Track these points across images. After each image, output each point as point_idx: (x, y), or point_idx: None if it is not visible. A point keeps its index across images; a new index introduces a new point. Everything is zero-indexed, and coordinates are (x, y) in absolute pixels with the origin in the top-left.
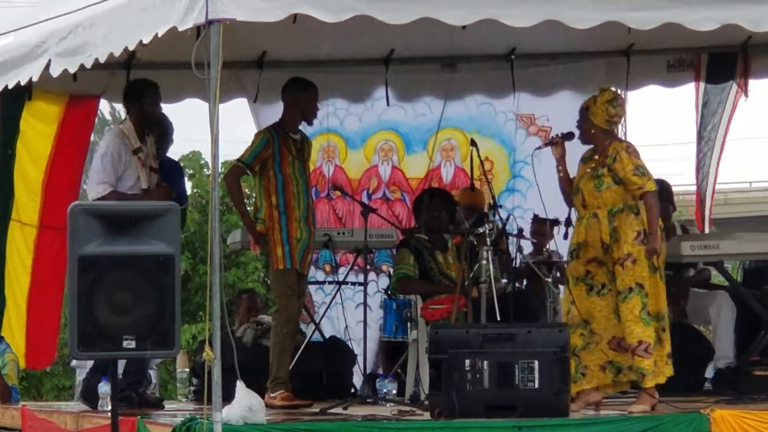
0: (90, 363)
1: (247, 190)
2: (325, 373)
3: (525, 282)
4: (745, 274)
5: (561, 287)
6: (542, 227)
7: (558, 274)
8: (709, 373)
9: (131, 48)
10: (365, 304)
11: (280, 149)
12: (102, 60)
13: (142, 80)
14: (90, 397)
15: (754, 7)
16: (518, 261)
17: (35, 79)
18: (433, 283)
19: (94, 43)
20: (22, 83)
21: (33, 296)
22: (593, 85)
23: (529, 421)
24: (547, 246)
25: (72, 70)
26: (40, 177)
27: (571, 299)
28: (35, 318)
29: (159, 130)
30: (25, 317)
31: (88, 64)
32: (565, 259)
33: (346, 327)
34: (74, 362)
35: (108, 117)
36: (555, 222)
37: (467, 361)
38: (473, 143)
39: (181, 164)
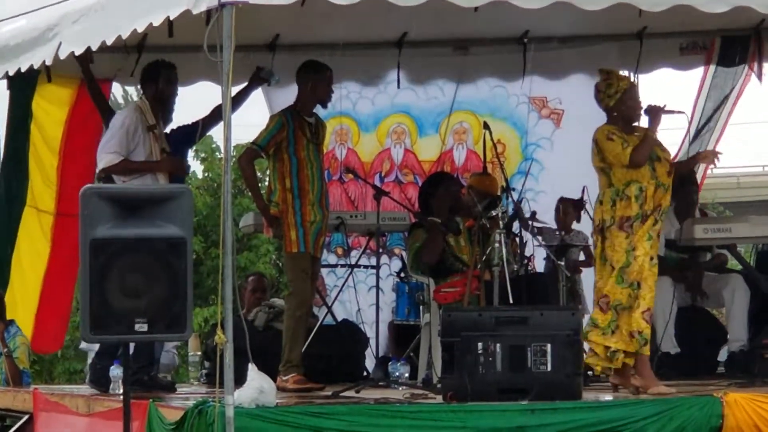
0: (97, 345)
1: (259, 174)
2: (337, 357)
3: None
4: (758, 258)
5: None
6: (566, 207)
7: (584, 257)
8: (722, 356)
9: (140, 31)
10: (377, 287)
11: (294, 132)
12: (109, 42)
13: (160, 61)
14: (100, 381)
15: None
16: (532, 244)
17: (48, 62)
18: (435, 231)
19: (104, 27)
20: (35, 66)
21: (47, 284)
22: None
23: (542, 404)
24: (571, 227)
25: (78, 53)
26: (55, 162)
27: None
28: (46, 304)
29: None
30: (36, 303)
31: (95, 47)
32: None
33: (359, 310)
34: (83, 344)
35: (121, 101)
36: (580, 202)
37: (480, 344)
38: (486, 126)
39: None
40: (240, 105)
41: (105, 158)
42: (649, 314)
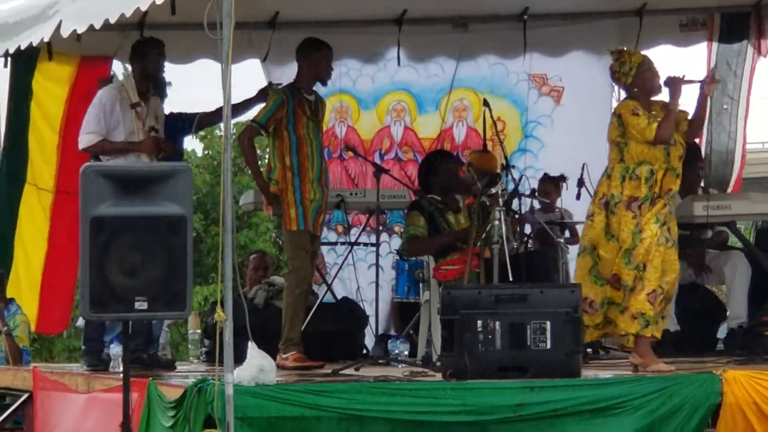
0: None
1: (258, 151)
2: (337, 335)
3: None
4: (758, 235)
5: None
6: (547, 186)
7: (569, 235)
8: (722, 333)
9: (143, 9)
10: (377, 264)
11: (294, 110)
12: (113, 21)
13: (148, 38)
14: (94, 363)
15: None
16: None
17: (46, 39)
18: (440, 236)
19: (105, 4)
20: (35, 44)
21: (49, 262)
22: (606, 45)
23: (541, 382)
24: (557, 205)
25: (81, 31)
26: (56, 140)
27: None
28: (50, 284)
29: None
30: (39, 282)
31: (98, 25)
32: (576, 219)
33: (358, 288)
34: (80, 321)
35: (121, 78)
36: (561, 179)
37: (479, 322)
38: (486, 103)
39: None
40: (240, 114)
41: (84, 138)
42: (654, 296)
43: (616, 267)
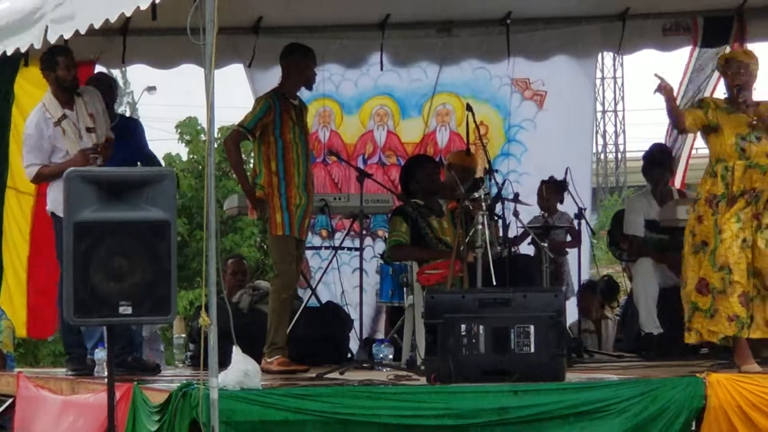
0: None
1: (243, 156)
2: (321, 339)
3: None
4: None
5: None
6: (549, 189)
7: (569, 238)
8: None
9: (127, 14)
10: (361, 269)
11: (281, 115)
12: (97, 26)
13: (54, 47)
14: (78, 368)
15: None
16: (515, 226)
17: (37, 46)
18: (426, 249)
19: (89, 9)
20: (23, 50)
21: (32, 265)
22: (589, 50)
23: (525, 386)
24: (555, 209)
25: (67, 36)
26: None
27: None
28: (36, 287)
29: (100, 89)
30: (25, 286)
31: (83, 30)
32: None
33: (343, 292)
34: None
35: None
36: (563, 186)
37: (463, 326)
38: (469, 108)
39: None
40: None
41: (26, 173)
42: (744, 298)
43: (704, 271)
